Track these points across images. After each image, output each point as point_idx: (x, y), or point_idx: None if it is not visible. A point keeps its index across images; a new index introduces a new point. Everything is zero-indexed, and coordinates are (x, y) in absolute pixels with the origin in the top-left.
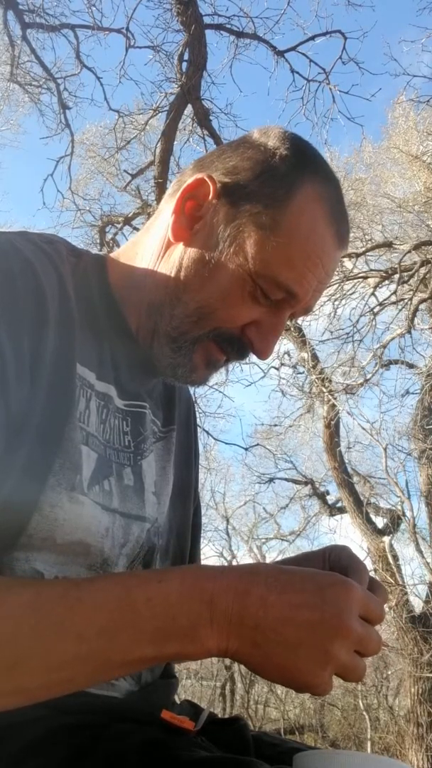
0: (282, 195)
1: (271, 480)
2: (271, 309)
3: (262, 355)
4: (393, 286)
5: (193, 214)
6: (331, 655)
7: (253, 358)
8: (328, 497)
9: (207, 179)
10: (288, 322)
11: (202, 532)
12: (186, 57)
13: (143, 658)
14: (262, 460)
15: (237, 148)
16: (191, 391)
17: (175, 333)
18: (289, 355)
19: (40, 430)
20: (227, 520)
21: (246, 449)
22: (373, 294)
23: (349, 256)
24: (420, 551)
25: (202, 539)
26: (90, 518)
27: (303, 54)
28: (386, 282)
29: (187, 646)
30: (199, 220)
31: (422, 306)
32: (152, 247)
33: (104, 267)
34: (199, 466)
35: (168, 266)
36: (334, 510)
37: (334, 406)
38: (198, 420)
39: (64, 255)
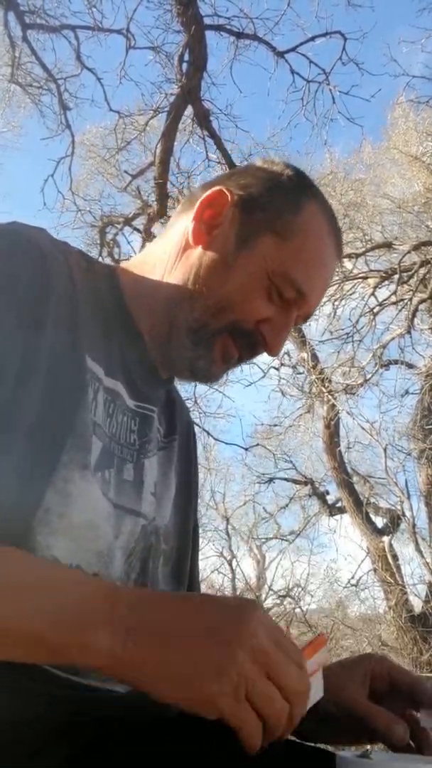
0: (291, 206)
1: (271, 480)
2: (282, 308)
3: (274, 350)
4: (393, 287)
5: (212, 221)
6: (228, 659)
7: (260, 357)
8: (327, 497)
9: (225, 191)
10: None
11: (202, 532)
12: (186, 58)
13: (35, 637)
14: (262, 460)
15: (245, 171)
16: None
17: (196, 325)
18: (289, 355)
19: (52, 410)
20: (227, 520)
21: (246, 449)
22: (372, 294)
23: (349, 256)
24: (420, 551)
25: (202, 539)
26: (97, 498)
27: (303, 55)
28: (386, 282)
29: (80, 637)
30: (217, 227)
31: (422, 306)
32: (166, 254)
33: (115, 274)
34: (199, 478)
35: (186, 266)
36: (334, 510)
37: (333, 406)
38: (198, 420)
39: (76, 258)
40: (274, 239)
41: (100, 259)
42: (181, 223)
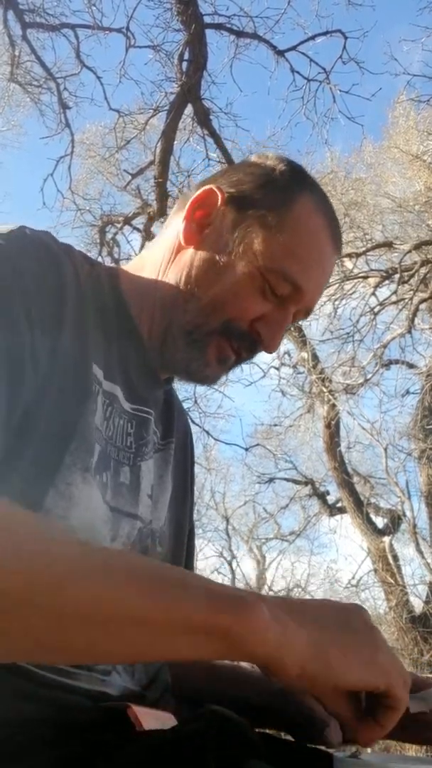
0: (284, 200)
1: (271, 480)
2: (277, 305)
3: (270, 347)
4: (393, 286)
5: (203, 221)
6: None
7: (260, 356)
8: (328, 497)
9: (215, 189)
10: (291, 324)
11: (202, 532)
12: (186, 56)
13: (190, 619)
14: (262, 460)
15: (238, 167)
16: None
17: (190, 326)
18: (289, 355)
19: (60, 411)
20: (227, 520)
21: (246, 449)
22: (373, 294)
23: (350, 256)
24: (420, 551)
25: (202, 540)
26: (98, 501)
27: (303, 53)
28: (386, 282)
29: (241, 614)
30: (208, 226)
31: (422, 306)
32: (160, 255)
33: (116, 276)
34: (196, 476)
35: (179, 267)
36: (334, 510)
37: (334, 406)
38: (198, 420)
39: (79, 260)
40: (266, 235)
41: (100, 259)
42: (175, 224)
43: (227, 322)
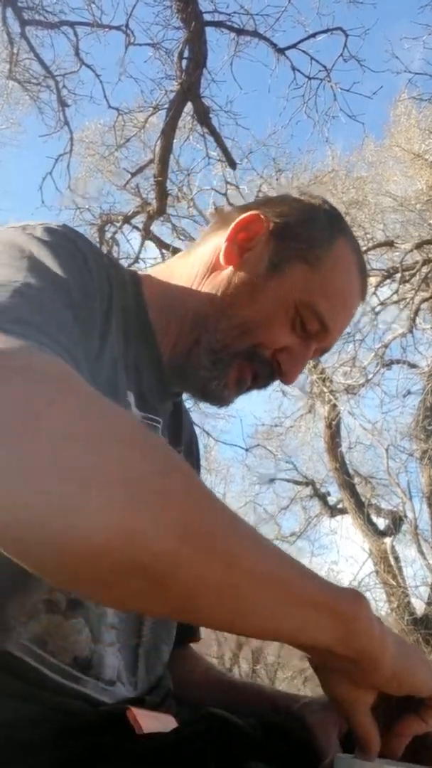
0: (325, 240)
1: (271, 481)
2: (302, 340)
3: (289, 379)
4: (394, 286)
5: (244, 244)
6: None
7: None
8: (329, 498)
9: (262, 216)
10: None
11: None
12: (186, 54)
13: (317, 596)
14: (263, 460)
15: (281, 200)
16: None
17: (218, 345)
18: None
19: None
20: None
21: (246, 450)
22: (374, 293)
23: None
24: (422, 553)
25: None
26: None
27: (304, 51)
28: (388, 281)
29: (359, 604)
30: (249, 250)
31: (424, 305)
32: (195, 269)
33: (139, 282)
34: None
35: (214, 284)
36: (335, 511)
37: (335, 406)
38: (198, 421)
39: (108, 262)
40: (305, 269)
41: None
42: (213, 242)
43: (255, 346)
